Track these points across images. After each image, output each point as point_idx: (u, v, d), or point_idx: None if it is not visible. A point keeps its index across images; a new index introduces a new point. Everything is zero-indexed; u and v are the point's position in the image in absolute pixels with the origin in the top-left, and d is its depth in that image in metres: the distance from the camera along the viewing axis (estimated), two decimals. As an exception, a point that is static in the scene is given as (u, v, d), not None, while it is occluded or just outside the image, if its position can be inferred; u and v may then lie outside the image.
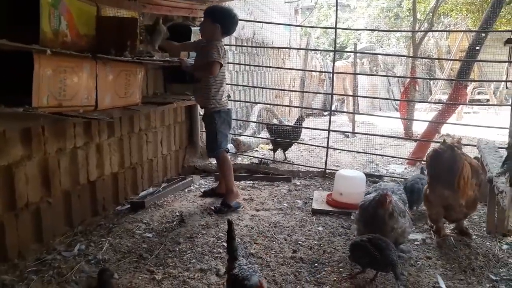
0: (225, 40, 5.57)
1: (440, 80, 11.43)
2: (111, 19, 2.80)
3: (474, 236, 2.80)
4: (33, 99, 2.15)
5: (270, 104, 7.36)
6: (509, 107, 3.81)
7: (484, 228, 2.92)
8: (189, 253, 2.51)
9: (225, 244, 2.64)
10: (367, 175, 3.88)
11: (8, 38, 1.92)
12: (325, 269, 2.34)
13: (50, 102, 2.27)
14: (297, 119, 5.27)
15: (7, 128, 2.20)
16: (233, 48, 5.88)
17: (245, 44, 6.39)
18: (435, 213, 2.75)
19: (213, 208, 3.25)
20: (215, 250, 2.56)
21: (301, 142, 5.42)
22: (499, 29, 7.52)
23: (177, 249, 2.57)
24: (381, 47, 14.01)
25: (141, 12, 3.23)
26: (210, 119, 3.32)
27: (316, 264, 2.41)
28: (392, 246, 2.16)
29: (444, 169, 2.60)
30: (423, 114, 9.37)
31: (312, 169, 4.48)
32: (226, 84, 3.47)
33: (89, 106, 2.59)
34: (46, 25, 2.27)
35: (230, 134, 5.24)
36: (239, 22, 5.60)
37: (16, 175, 2.35)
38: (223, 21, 3.19)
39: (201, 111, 4.44)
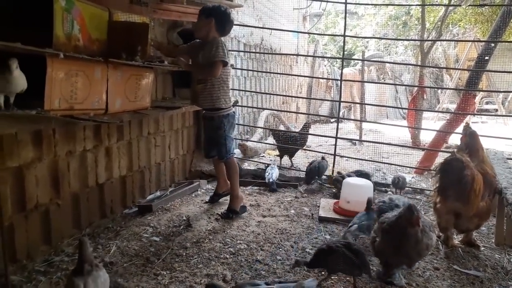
0: (234, 46, 5.63)
1: (448, 89, 11.39)
2: (122, 24, 2.84)
3: (483, 248, 2.78)
4: (45, 102, 2.18)
5: (277, 110, 7.38)
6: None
7: (493, 240, 2.89)
8: (195, 258, 2.52)
9: (232, 249, 2.65)
10: (374, 183, 3.87)
11: (21, 41, 1.96)
12: (332, 277, 2.33)
13: (61, 105, 2.30)
14: (303, 125, 5.29)
15: (19, 130, 2.22)
16: (241, 54, 5.91)
17: (253, 50, 6.42)
18: (444, 220, 2.72)
19: (219, 213, 3.25)
20: (221, 256, 2.56)
21: (308, 148, 5.42)
22: (509, 40, 7.48)
23: (184, 254, 2.57)
24: (389, 55, 13.98)
25: (152, 18, 3.27)
26: (218, 123, 3.22)
27: (322, 272, 2.39)
28: (363, 250, 2.26)
29: (453, 182, 2.57)
30: (431, 123, 9.33)
31: (319, 176, 4.46)
32: (234, 89, 3.46)
33: (99, 109, 2.62)
34: (59, 29, 2.30)
35: (237, 139, 5.27)
36: (249, 28, 5.66)
37: (27, 177, 2.37)
38: (217, 16, 3.06)
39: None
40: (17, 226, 2.33)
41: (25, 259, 2.36)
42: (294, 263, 2.29)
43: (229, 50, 5.50)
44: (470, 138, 2.90)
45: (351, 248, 2.17)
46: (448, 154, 2.75)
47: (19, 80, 2.00)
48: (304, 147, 5.35)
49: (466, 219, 2.65)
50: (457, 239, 2.88)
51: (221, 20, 3.09)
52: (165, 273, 2.33)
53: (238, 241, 2.78)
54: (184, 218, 3.15)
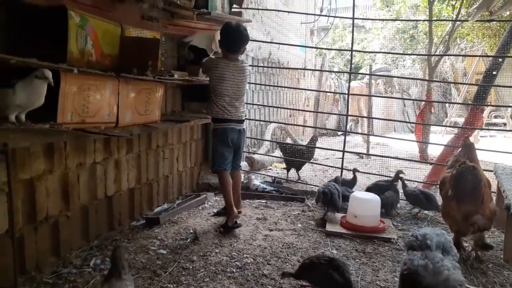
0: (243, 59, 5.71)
1: (456, 104, 11.36)
2: (134, 39, 2.90)
3: (491, 265, 2.75)
4: (58, 115, 2.24)
5: (285, 124, 7.40)
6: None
7: (501, 256, 2.87)
8: (202, 272, 2.52)
9: (238, 263, 2.65)
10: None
11: (37, 57, 2.01)
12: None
13: (74, 118, 2.35)
14: (310, 139, 5.32)
15: (32, 143, 2.27)
16: (250, 67, 5.97)
17: (261, 64, 6.49)
18: (455, 223, 2.82)
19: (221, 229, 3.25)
20: (228, 270, 2.56)
21: (315, 162, 5.43)
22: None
23: (191, 267, 2.58)
24: (397, 68, 14.00)
25: (162, 33, 3.33)
26: (212, 136, 3.50)
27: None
28: (348, 267, 2.23)
29: (468, 189, 2.69)
30: (439, 137, 9.29)
31: (326, 189, 4.46)
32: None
33: (110, 123, 2.66)
34: (73, 45, 2.36)
35: (244, 152, 5.28)
36: (257, 43, 5.73)
37: (38, 189, 2.41)
38: (220, 36, 3.32)
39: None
40: (27, 237, 2.36)
41: (34, 271, 2.39)
42: (282, 274, 2.34)
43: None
44: (467, 149, 3.06)
45: (334, 264, 2.16)
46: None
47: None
48: (311, 160, 5.36)
49: (479, 219, 2.72)
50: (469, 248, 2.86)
51: (222, 41, 3.31)
52: (171, 286, 2.34)
53: (245, 255, 2.79)
54: (191, 231, 3.16)
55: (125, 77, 2.67)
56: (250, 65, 5.87)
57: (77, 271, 2.45)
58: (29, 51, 2.02)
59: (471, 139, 5.71)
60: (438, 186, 4.67)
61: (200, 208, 3.81)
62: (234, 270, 2.56)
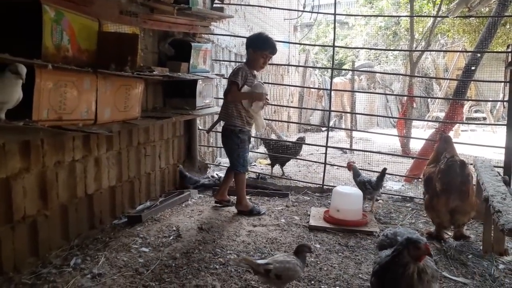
0: (225, 56, 5.67)
1: (437, 99, 11.54)
2: (112, 34, 2.84)
3: (470, 256, 2.80)
4: (33, 112, 2.18)
5: (269, 120, 7.40)
6: (505, 126, 3.84)
7: (481, 248, 2.92)
8: (185, 269, 2.50)
9: (221, 260, 2.64)
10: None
11: (10, 52, 1.96)
12: (322, 286, 2.33)
13: (50, 115, 2.29)
14: (298, 139, 5.35)
15: (6, 141, 2.21)
16: (233, 64, 5.94)
17: (245, 60, 6.46)
18: (439, 217, 2.94)
19: None
20: (211, 266, 2.55)
21: (299, 157, 5.44)
22: (495, 50, 7.61)
23: (173, 265, 2.55)
24: (379, 64, 14.13)
25: (142, 28, 3.28)
26: None
27: (312, 282, 2.40)
28: None
29: (457, 183, 2.79)
30: (421, 131, 9.42)
31: (309, 185, 4.49)
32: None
33: (88, 119, 2.61)
34: (48, 40, 2.30)
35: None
36: (240, 38, 5.72)
37: (14, 188, 2.35)
38: None
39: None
40: (4, 237, 2.30)
41: (12, 272, 2.33)
42: None
43: (220, 60, 5.54)
44: (446, 143, 3.16)
45: None
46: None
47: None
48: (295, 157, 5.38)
49: (463, 214, 2.86)
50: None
51: None
52: (154, 284, 2.32)
53: (228, 251, 2.78)
54: (174, 228, 3.14)
55: (103, 73, 2.61)
56: (233, 61, 5.84)
57: (56, 271, 2.41)
58: (2, 47, 1.96)
59: (452, 133, 5.81)
60: (421, 180, 4.77)
61: (183, 205, 3.77)
62: (217, 267, 2.55)
